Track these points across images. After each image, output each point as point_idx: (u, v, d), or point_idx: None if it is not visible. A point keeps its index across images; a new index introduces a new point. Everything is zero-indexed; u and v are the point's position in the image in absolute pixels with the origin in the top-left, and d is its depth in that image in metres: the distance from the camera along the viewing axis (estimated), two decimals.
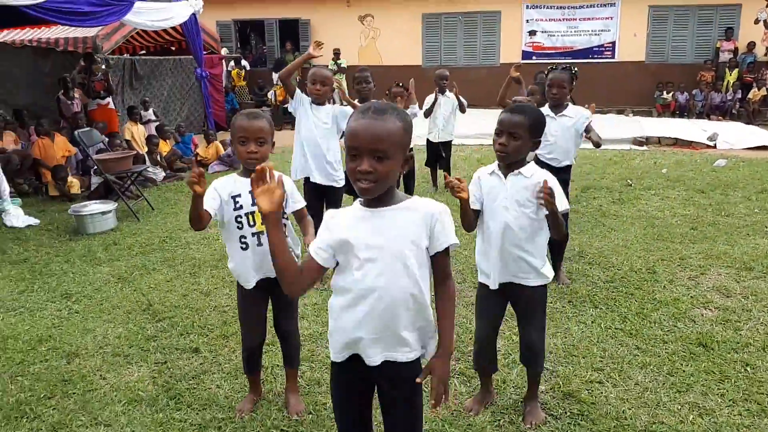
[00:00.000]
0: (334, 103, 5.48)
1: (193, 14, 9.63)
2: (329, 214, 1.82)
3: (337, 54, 14.83)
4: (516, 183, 2.56)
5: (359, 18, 15.73)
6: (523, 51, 14.86)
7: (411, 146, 1.88)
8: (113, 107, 10.17)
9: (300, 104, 4.36)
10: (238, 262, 2.66)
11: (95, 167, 6.95)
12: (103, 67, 10.15)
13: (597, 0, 14.21)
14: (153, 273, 4.78)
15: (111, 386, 3.11)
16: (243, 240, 2.62)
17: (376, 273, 1.74)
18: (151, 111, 10.99)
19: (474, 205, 2.61)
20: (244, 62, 15.48)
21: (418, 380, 1.83)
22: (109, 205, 6.19)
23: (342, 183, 4.48)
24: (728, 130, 11.06)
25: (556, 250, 4.43)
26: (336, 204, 4.46)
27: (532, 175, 2.57)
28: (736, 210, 6.23)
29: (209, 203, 2.53)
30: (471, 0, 14.85)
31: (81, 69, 10.48)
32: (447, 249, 1.78)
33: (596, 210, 6.39)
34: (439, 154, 7.29)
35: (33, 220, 6.41)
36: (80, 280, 4.69)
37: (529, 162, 2.67)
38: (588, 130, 4.26)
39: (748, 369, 3.16)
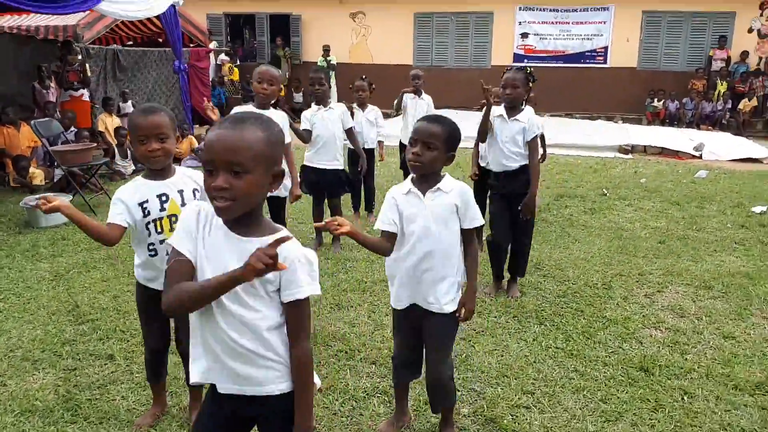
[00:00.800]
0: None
1: (172, 5, 9.45)
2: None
3: (326, 51, 14.65)
4: (436, 200, 2.39)
5: (350, 15, 15.54)
6: (514, 54, 14.66)
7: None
8: (87, 99, 9.95)
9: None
10: (146, 266, 2.50)
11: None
12: (79, 57, 9.93)
13: (591, 3, 14.01)
14: (92, 271, 4.61)
15: (9, 394, 2.93)
16: (151, 247, 2.46)
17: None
18: (129, 103, 10.80)
19: (390, 228, 2.41)
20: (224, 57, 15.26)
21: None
22: (64, 198, 5.99)
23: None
24: (715, 141, 10.88)
25: (517, 261, 4.27)
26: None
27: (452, 190, 2.40)
28: (708, 224, 6.05)
29: (118, 217, 2.37)
30: (464, 0, 14.65)
31: (58, 58, 10.29)
32: (298, 301, 1.58)
33: (565, 219, 6.22)
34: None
35: None
36: (14, 277, 4.52)
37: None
38: (531, 146, 4.04)
39: (686, 398, 2.98)
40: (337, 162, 5.00)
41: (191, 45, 14.00)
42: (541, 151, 6.47)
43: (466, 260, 2.46)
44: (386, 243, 2.42)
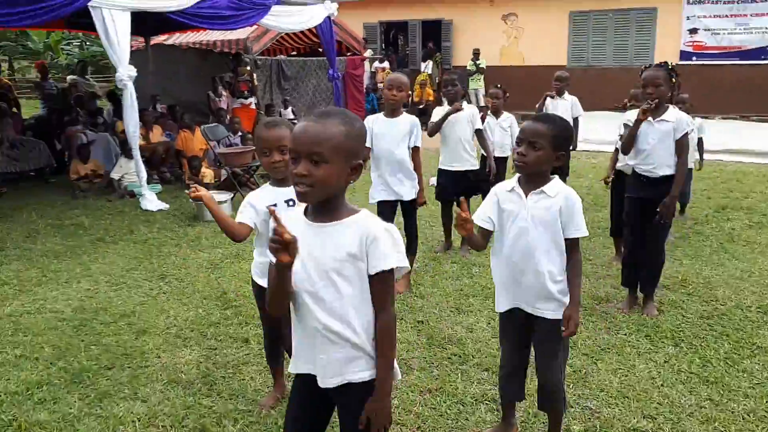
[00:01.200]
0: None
1: (328, 17, 10.04)
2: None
3: (476, 54, 14.61)
4: (538, 202, 2.34)
5: (502, 17, 15.35)
6: (681, 51, 13.52)
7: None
8: (254, 107, 10.92)
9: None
10: (265, 265, 2.73)
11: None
12: (248, 68, 10.92)
13: None
14: (242, 262, 5.08)
15: (162, 365, 3.36)
16: None
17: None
18: (290, 110, 11.64)
19: (484, 224, 2.42)
20: (385, 63, 15.80)
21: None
22: (225, 195, 6.67)
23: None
24: None
25: (649, 276, 3.99)
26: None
27: (557, 194, 2.33)
28: None
29: (247, 218, 2.60)
30: None
31: (231, 70, 11.42)
32: (383, 273, 1.67)
33: (724, 234, 5.65)
34: None
35: (164, 205, 7.10)
36: (179, 263, 5.12)
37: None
38: (681, 144, 3.72)
39: None
40: (465, 164, 5.01)
41: (347, 54, 14.79)
42: (696, 155, 6.01)
43: (568, 270, 2.37)
44: (482, 240, 2.44)
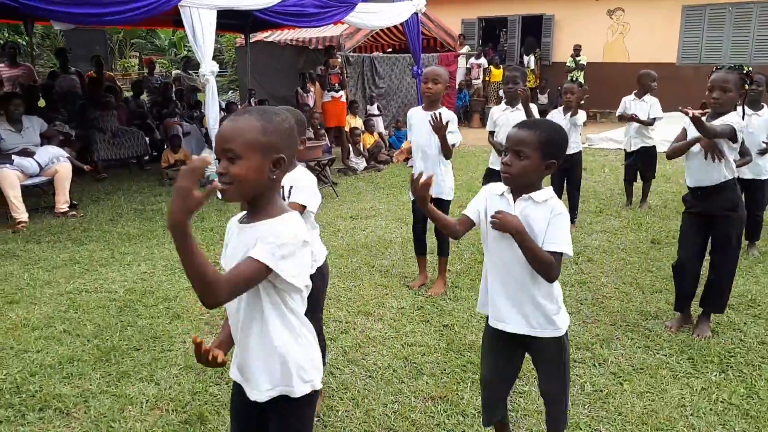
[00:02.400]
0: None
1: (415, 13, 9.99)
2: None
3: (577, 51, 13.93)
4: (525, 209, 2.16)
5: (608, 12, 14.51)
6: None
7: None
8: (344, 101, 11.09)
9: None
10: None
11: None
12: (339, 61, 11.11)
13: None
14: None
15: (184, 350, 3.49)
16: None
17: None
18: (375, 106, 11.73)
19: (470, 213, 2.28)
20: (481, 59, 15.49)
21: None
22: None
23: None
24: None
25: (712, 293, 3.59)
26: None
27: (546, 200, 2.14)
28: None
29: None
30: None
31: (323, 63, 11.71)
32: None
33: None
34: (634, 164, 6.45)
35: None
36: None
37: None
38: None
39: None
40: None
41: (441, 50, 14.66)
42: None
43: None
44: (458, 226, 2.30)
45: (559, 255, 2.10)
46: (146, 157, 9.47)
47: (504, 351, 2.36)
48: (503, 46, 16.72)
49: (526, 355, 2.38)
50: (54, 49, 16.09)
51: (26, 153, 6.59)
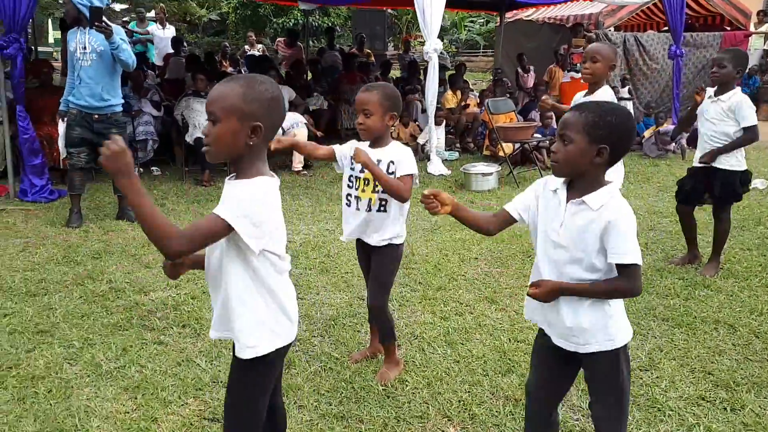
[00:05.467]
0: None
1: None
2: None
3: None
4: (575, 215, 1.88)
5: None
6: None
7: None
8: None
9: None
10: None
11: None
12: (584, 39, 10.40)
13: None
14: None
15: (311, 302, 3.82)
16: (348, 198, 2.83)
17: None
18: (626, 89, 10.70)
19: (510, 209, 2.06)
20: None
21: None
22: (492, 168, 6.78)
23: None
24: None
25: None
26: None
27: (601, 207, 1.84)
28: None
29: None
30: None
31: (566, 41, 11.12)
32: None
33: None
34: None
35: (446, 171, 7.53)
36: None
37: None
38: None
39: None
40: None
41: (728, 29, 12.61)
42: None
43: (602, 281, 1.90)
44: (491, 220, 2.10)
45: (630, 267, 1.82)
46: None
47: (555, 364, 2.11)
48: None
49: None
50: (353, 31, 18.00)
51: None
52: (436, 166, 7.63)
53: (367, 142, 2.79)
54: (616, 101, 3.60)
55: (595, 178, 1.89)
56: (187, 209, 5.87)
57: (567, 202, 1.91)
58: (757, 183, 6.67)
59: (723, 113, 3.96)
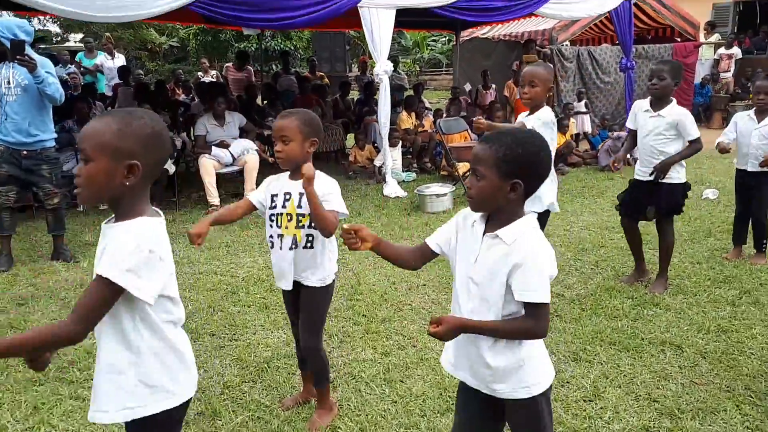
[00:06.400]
0: None
1: (627, 1, 8.92)
2: None
3: None
4: (490, 248, 1.77)
5: None
6: None
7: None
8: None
9: None
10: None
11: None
12: (534, 56, 10.47)
13: None
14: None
15: (244, 343, 3.62)
16: (271, 239, 2.66)
17: None
18: (583, 103, 10.80)
19: (431, 243, 1.95)
20: (733, 49, 13.19)
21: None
22: (446, 189, 6.68)
23: None
24: None
25: None
26: None
27: (513, 242, 1.72)
28: None
29: (254, 197, 2.68)
30: None
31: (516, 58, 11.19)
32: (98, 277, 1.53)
33: None
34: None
35: (402, 193, 7.45)
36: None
37: None
38: None
39: None
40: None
41: (678, 40, 12.86)
42: None
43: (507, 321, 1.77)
44: (413, 255, 1.99)
45: (538, 306, 1.70)
46: (343, 151, 10.05)
47: (476, 410, 1.97)
48: (764, 32, 14.02)
49: None
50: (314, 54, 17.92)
51: (223, 145, 7.51)
52: (391, 188, 7.52)
53: (287, 173, 2.64)
54: (554, 119, 3.55)
55: (512, 211, 1.77)
56: None
57: (483, 235, 1.79)
58: (708, 193, 6.69)
59: (663, 128, 3.90)
